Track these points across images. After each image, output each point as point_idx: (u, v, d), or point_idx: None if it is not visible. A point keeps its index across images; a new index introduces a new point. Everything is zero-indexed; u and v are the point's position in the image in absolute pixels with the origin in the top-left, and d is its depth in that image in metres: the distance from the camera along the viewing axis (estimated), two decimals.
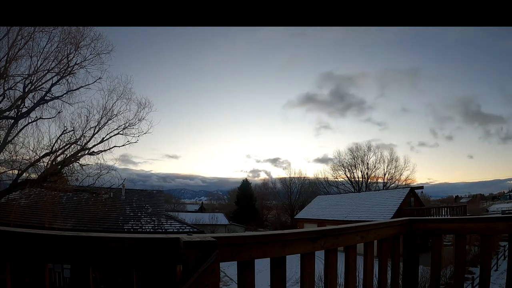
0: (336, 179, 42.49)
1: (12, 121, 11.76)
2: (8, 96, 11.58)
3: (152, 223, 14.92)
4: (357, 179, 40.64)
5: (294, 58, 79.37)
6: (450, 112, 75.05)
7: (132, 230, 13.99)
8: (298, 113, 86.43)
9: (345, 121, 75.06)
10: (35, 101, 12.11)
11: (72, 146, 12.34)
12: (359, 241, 1.79)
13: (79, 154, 12.53)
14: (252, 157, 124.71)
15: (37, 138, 12.26)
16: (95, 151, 12.75)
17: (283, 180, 45.83)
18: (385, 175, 39.74)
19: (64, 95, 12.56)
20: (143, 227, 14.40)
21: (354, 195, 31.38)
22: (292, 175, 44.99)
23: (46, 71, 11.99)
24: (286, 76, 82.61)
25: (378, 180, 40.13)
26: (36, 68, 11.75)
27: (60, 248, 1.18)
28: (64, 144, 12.22)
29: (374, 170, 40.18)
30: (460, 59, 63.40)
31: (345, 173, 41.58)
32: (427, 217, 6.62)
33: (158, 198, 18.69)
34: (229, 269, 9.65)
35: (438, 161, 72.15)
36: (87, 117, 12.57)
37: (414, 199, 26.23)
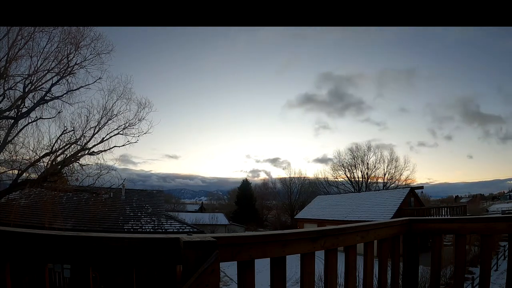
0: (336, 179, 42.58)
1: (12, 121, 11.76)
2: (8, 96, 11.60)
3: (152, 223, 14.92)
4: (357, 179, 40.70)
5: (294, 58, 79.42)
6: (450, 112, 75.20)
7: (132, 230, 13.99)
8: (297, 113, 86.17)
9: (344, 121, 75.17)
10: (35, 101, 12.13)
11: (72, 146, 12.36)
12: (359, 241, 1.79)
13: (79, 154, 12.54)
14: (252, 157, 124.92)
15: (37, 138, 12.30)
16: (95, 151, 12.78)
17: (283, 180, 45.90)
18: (385, 175, 39.82)
19: (64, 95, 12.61)
20: (143, 227, 14.40)
21: (354, 195, 31.37)
22: (292, 175, 45.07)
23: (46, 71, 12.01)
24: (285, 76, 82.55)
25: (378, 180, 40.21)
26: (36, 68, 11.78)
27: (60, 248, 1.18)
28: (64, 144, 12.24)
29: (374, 170, 40.26)
30: (459, 59, 63.48)
31: (345, 173, 41.67)
32: (427, 217, 6.61)
33: (158, 198, 18.69)
34: (229, 269, 9.65)
35: (438, 161, 72.26)
36: (87, 117, 12.61)
37: (414, 199, 26.24)
